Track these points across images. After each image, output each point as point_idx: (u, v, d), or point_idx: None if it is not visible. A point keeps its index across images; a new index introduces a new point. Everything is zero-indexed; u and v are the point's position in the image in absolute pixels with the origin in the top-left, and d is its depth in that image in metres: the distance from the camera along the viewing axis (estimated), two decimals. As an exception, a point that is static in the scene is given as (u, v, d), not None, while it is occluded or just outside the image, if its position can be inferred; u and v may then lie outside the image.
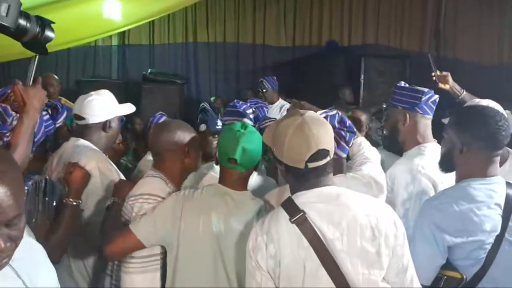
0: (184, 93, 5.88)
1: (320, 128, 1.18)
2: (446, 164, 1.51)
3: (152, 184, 1.50)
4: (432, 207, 1.42)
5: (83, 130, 1.84)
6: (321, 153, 1.16)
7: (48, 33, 1.23)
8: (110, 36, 6.11)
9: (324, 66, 5.56)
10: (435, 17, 5.88)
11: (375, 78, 5.32)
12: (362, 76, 5.37)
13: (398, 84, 1.84)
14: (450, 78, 2.45)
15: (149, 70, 5.73)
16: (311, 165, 1.15)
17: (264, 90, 4.37)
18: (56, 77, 4.43)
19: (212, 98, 5.26)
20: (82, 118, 1.83)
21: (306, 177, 1.18)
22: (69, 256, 1.71)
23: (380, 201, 1.27)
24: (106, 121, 1.84)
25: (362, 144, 1.65)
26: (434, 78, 2.47)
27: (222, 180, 1.45)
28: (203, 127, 2.23)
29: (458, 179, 1.45)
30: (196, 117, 3.52)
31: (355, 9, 6.33)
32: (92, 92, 1.88)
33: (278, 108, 4.38)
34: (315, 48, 6.34)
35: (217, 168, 1.52)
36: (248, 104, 2.26)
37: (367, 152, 1.63)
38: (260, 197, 1.47)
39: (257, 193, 1.51)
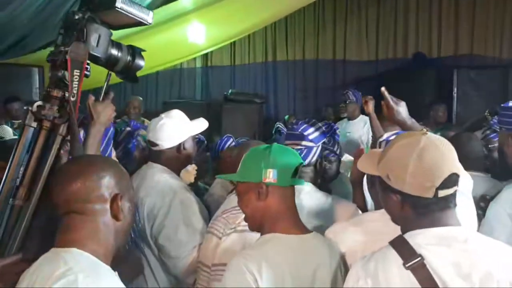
0: (263, 112, 5.93)
1: (450, 149, 1.00)
2: None
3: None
4: None
5: (158, 154, 1.80)
6: (453, 179, 0.98)
7: (139, 61, 1.25)
8: (194, 58, 6.45)
9: (411, 80, 5.16)
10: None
11: (470, 92, 4.79)
12: (455, 90, 4.87)
13: (502, 105, 1.68)
14: None
15: (230, 91, 5.88)
16: (442, 193, 0.97)
17: (347, 102, 4.16)
18: (140, 98, 4.72)
19: (286, 117, 5.18)
20: (156, 145, 1.77)
21: (430, 209, 0.99)
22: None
23: None
24: (180, 143, 1.78)
25: None
26: None
27: (280, 221, 1.21)
28: None
29: None
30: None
31: (445, 18, 5.83)
32: (163, 115, 1.81)
33: (362, 123, 4.07)
34: (400, 61, 5.98)
35: (303, 195, 1.44)
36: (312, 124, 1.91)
37: None
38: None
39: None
